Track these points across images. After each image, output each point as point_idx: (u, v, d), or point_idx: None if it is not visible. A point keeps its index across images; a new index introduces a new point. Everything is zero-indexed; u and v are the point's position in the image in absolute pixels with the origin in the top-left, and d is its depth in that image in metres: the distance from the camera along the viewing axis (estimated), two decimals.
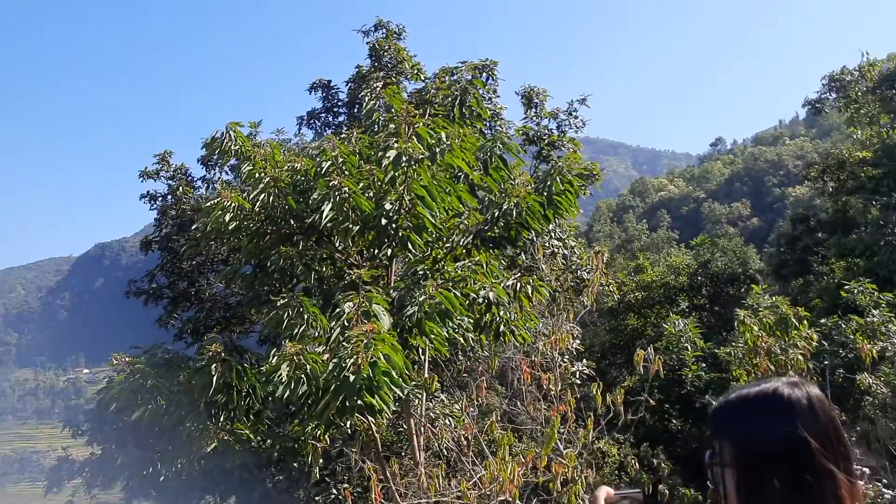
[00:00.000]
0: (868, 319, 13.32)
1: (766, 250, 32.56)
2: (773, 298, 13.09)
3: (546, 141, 16.01)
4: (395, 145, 7.11)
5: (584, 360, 14.55)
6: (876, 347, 12.51)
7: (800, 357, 10.92)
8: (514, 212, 7.84)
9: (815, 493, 1.71)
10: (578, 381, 13.74)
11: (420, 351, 7.66)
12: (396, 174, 7.16)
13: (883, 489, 8.91)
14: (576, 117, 16.26)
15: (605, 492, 1.99)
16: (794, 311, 11.93)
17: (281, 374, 5.26)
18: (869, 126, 21.92)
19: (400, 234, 7.45)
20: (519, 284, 8.67)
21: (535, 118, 16.28)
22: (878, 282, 16.95)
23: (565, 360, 12.03)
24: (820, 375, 11.79)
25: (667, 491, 11.86)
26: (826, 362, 12.90)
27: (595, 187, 17.59)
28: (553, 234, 15.33)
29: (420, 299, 6.51)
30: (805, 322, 11.81)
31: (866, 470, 1.98)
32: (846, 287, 14.40)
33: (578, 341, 14.27)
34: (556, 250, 15.17)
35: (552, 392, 9.77)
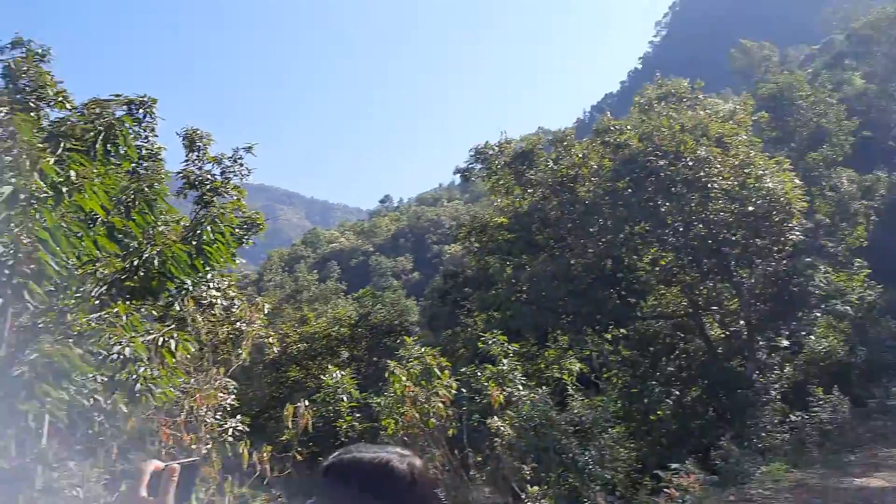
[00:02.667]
0: (499, 368, 14.94)
1: (421, 303, 35.10)
2: (423, 349, 14.03)
3: (208, 186, 15.42)
4: (13, 180, 6.21)
5: (239, 416, 14.00)
6: (504, 393, 14.08)
7: (440, 405, 11.81)
8: (157, 260, 7.32)
9: None
10: (231, 439, 13.13)
11: (31, 417, 6.65)
12: (12, 213, 6.24)
13: None
14: (241, 164, 15.95)
15: (152, 465, 1.82)
16: (438, 361, 12.93)
17: None
18: (506, 195, 25.05)
19: (14, 281, 6.47)
20: (162, 339, 8.07)
21: (197, 162, 15.62)
22: (510, 334, 19.14)
23: (217, 416, 11.43)
24: (458, 420, 12.83)
25: None
26: (464, 407, 14.11)
27: (259, 237, 17.34)
28: (212, 284, 14.68)
29: (31, 357, 5.67)
30: (446, 371, 12.85)
31: None
32: (482, 338, 16.03)
33: (233, 396, 13.66)
34: (214, 301, 14.51)
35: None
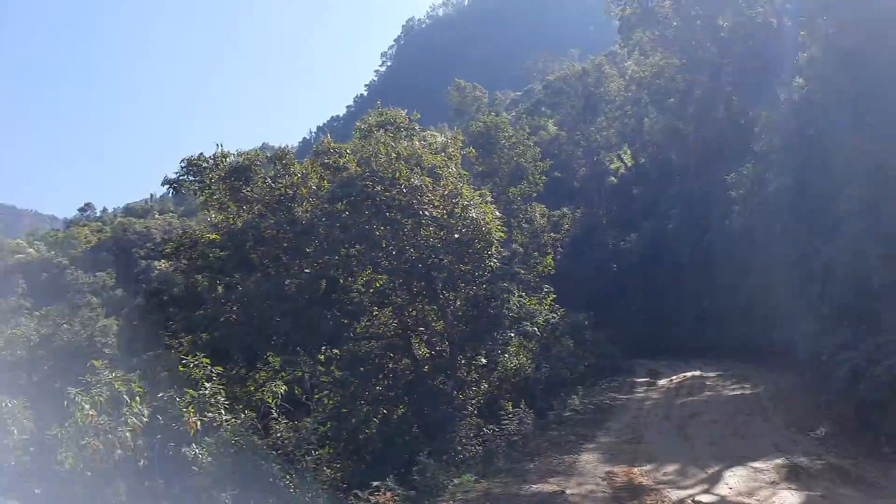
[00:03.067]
0: (201, 392, 14.10)
1: (119, 323, 32.21)
2: (112, 374, 12.76)
3: None
4: None
5: None
6: (204, 419, 13.31)
7: (128, 434, 10.82)
8: None
9: None
10: None
11: None
12: None
13: None
14: None
15: None
16: (129, 387, 11.85)
17: None
18: (220, 211, 23.99)
19: None
20: None
21: None
22: (217, 355, 18.26)
23: None
24: (149, 450, 11.84)
25: None
26: (158, 436, 13.06)
27: None
28: None
29: None
30: (138, 398, 11.82)
31: None
32: (184, 361, 15.04)
33: None
34: None
35: None
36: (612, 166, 61.55)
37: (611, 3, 45.30)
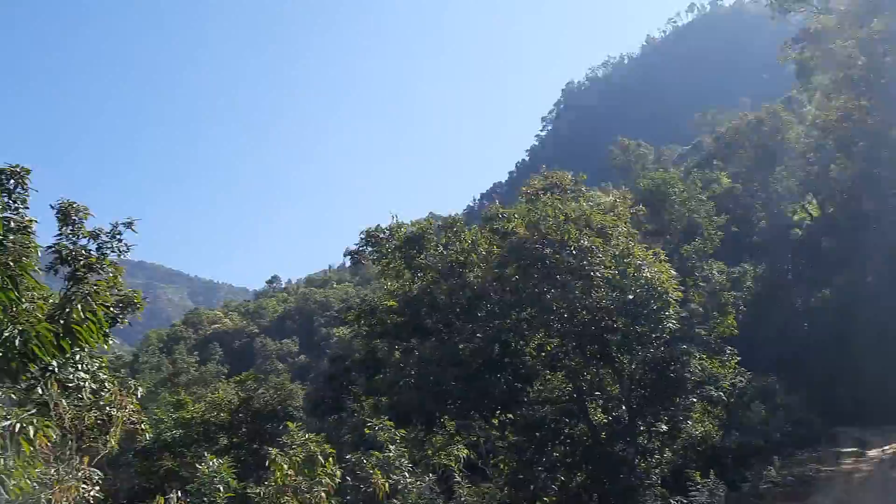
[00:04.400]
0: (386, 455, 14.59)
1: (307, 387, 34.12)
2: (306, 436, 13.53)
3: (82, 262, 14.59)
4: None
5: None
6: (391, 481, 13.73)
7: (323, 494, 11.35)
8: (18, 340, 6.79)
9: None
10: None
11: None
12: None
13: None
14: (119, 240, 15.24)
15: None
16: (322, 448, 12.50)
17: None
18: (396, 279, 25.11)
19: None
20: (19, 425, 7.40)
21: (71, 236, 14.80)
22: (397, 419, 18.81)
23: None
24: None
25: None
26: (349, 497, 13.62)
27: (136, 317, 16.47)
28: (81, 366, 13.71)
29: None
30: (331, 459, 12.43)
31: None
32: (369, 424, 15.68)
33: (97, 488, 12.69)
34: (81, 384, 13.53)
35: None
36: (796, 218, 57.54)
37: (786, 49, 43.22)
